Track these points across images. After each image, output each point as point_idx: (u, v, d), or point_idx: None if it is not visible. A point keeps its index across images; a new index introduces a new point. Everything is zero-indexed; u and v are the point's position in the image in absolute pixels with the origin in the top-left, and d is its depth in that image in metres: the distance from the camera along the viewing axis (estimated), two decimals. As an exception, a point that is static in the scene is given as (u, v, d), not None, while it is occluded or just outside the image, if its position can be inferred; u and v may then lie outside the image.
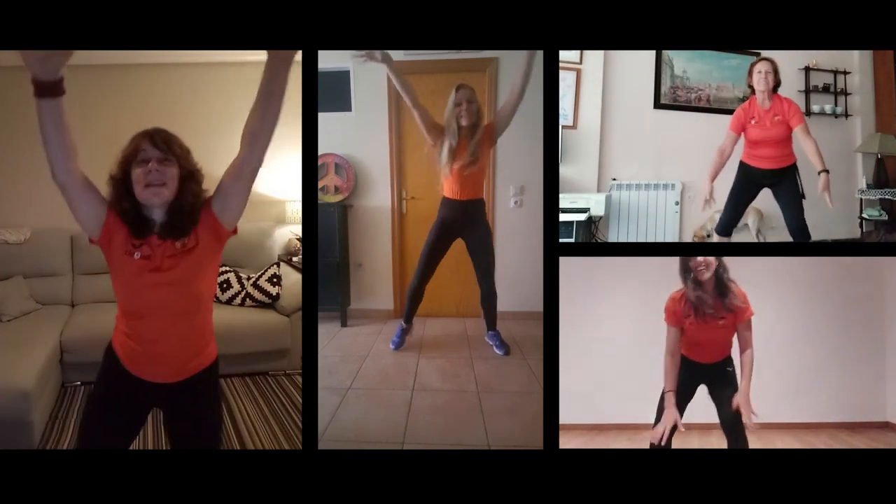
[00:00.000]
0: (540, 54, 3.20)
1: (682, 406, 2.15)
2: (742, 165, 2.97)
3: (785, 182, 2.88)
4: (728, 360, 2.19)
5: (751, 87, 2.90)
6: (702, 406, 2.87)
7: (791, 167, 2.89)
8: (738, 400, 2.01)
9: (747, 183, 2.96)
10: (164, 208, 1.57)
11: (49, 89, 1.44)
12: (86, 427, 1.74)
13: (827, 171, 2.73)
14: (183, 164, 1.60)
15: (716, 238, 3.26)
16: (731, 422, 2.09)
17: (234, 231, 1.66)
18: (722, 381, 2.16)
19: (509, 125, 3.28)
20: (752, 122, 2.85)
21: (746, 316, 2.06)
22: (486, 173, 3.40)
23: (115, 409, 1.68)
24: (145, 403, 1.73)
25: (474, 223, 3.43)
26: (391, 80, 3.19)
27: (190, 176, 1.61)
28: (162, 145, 1.56)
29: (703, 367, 2.19)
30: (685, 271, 2.05)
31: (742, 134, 2.90)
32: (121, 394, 1.66)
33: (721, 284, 2.03)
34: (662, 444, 2.03)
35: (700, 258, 2.03)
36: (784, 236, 3.28)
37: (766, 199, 3.15)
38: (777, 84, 2.85)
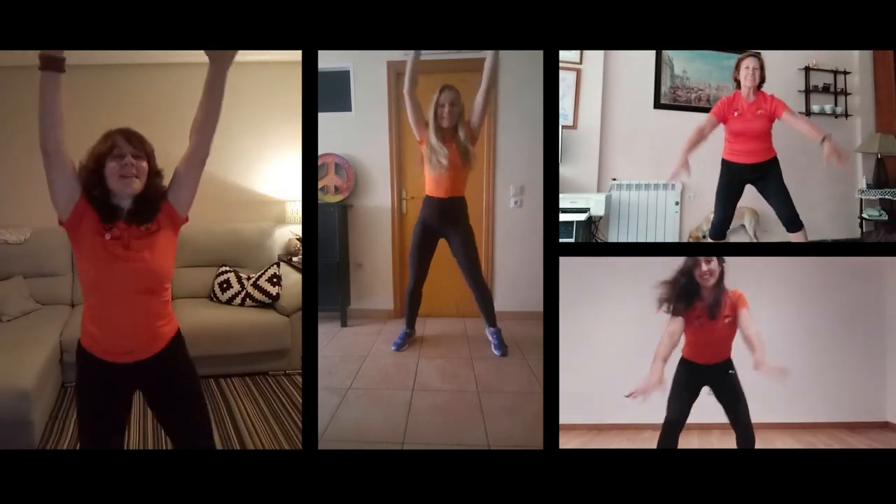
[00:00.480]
0: (501, 53, 3.27)
1: (686, 406, 2.22)
2: (724, 163, 2.99)
3: (769, 176, 2.92)
4: (729, 363, 2.23)
5: (737, 80, 2.92)
6: (701, 406, 2.88)
7: (772, 161, 2.92)
8: (759, 364, 2.06)
9: (731, 180, 2.99)
10: (131, 198, 1.77)
11: (53, 64, 1.66)
12: (82, 425, 1.88)
13: (828, 137, 2.73)
14: (151, 161, 1.81)
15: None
16: (742, 423, 2.21)
17: (186, 219, 1.88)
18: (726, 385, 2.22)
19: (483, 121, 3.40)
20: (735, 113, 2.88)
21: (741, 304, 2.13)
22: (466, 172, 3.42)
23: (101, 400, 1.83)
24: (126, 386, 1.87)
25: (455, 223, 3.45)
26: (409, 63, 3.24)
27: (156, 173, 1.83)
28: (136, 143, 1.77)
29: (705, 368, 2.24)
30: (681, 278, 2.13)
31: (723, 123, 2.94)
32: (102, 384, 1.82)
33: (718, 289, 2.12)
34: (638, 397, 2.07)
35: (705, 267, 2.10)
36: (777, 238, 3.30)
37: (761, 199, 3.15)
38: (762, 81, 2.88)
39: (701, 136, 2.94)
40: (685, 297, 2.11)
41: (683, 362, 2.24)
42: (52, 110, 1.66)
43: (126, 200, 1.77)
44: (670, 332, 2.13)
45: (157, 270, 1.78)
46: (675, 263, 2.90)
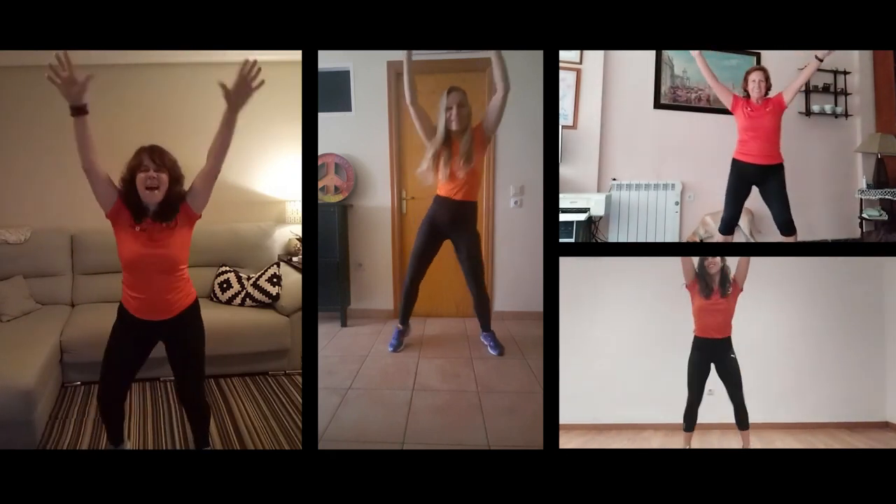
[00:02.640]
0: (508, 52, 3.24)
1: (701, 385, 2.62)
2: (734, 163, 3.16)
3: (772, 180, 3.10)
4: (729, 344, 2.59)
5: (746, 91, 3.12)
6: (702, 407, 2.89)
7: (778, 166, 3.09)
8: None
9: (739, 179, 3.16)
10: (156, 202, 2.26)
11: (81, 110, 2.16)
12: (107, 359, 2.39)
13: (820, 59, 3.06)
14: (171, 172, 2.27)
15: (718, 238, 3.38)
16: (736, 401, 2.61)
17: (200, 215, 2.38)
18: (727, 365, 2.59)
19: (499, 124, 3.32)
20: (749, 110, 3.08)
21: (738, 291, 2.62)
22: (481, 177, 3.41)
23: (127, 344, 2.40)
24: (149, 338, 2.42)
25: (462, 226, 3.42)
26: (404, 65, 3.19)
27: (175, 181, 2.30)
28: (157, 160, 2.24)
29: (711, 343, 2.59)
30: (700, 269, 2.60)
31: (734, 115, 3.15)
32: (131, 333, 2.38)
33: (725, 275, 2.59)
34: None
35: (709, 259, 2.56)
36: (772, 238, 3.47)
37: (758, 201, 3.27)
38: (768, 89, 3.08)
39: (713, 77, 3.16)
40: (704, 283, 2.59)
41: (696, 340, 2.60)
42: (85, 142, 2.17)
43: (152, 203, 2.26)
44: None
45: (173, 257, 2.31)
46: (674, 263, 2.98)
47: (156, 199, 2.24)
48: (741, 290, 2.60)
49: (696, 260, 2.60)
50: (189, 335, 2.44)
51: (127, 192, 2.25)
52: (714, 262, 2.56)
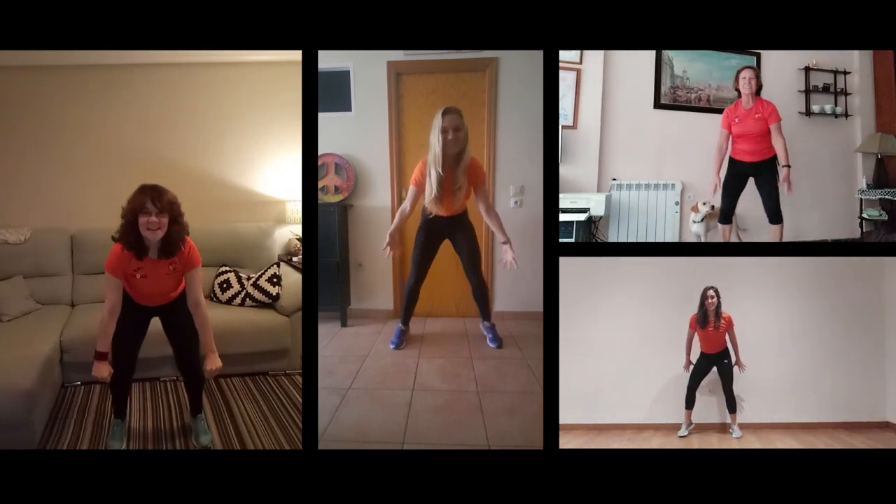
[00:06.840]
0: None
1: (698, 380, 3.01)
2: (731, 160, 3.41)
3: (765, 172, 3.34)
4: (726, 354, 2.99)
5: (737, 90, 3.34)
6: (701, 408, 2.90)
7: (771, 159, 3.31)
8: (739, 363, 3.06)
9: (736, 174, 3.42)
10: (157, 240, 2.53)
11: (102, 356, 2.60)
12: (115, 339, 2.65)
13: (789, 167, 3.22)
14: (171, 213, 2.51)
15: (720, 227, 3.57)
16: (728, 391, 3.01)
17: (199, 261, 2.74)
18: (723, 367, 3.00)
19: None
20: (736, 120, 3.32)
21: (731, 325, 3.00)
22: (469, 192, 3.40)
23: (131, 321, 2.72)
24: (148, 314, 2.80)
25: (458, 225, 3.55)
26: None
27: (175, 220, 2.55)
28: (157, 203, 2.47)
29: (711, 356, 2.99)
30: (700, 304, 2.99)
31: (729, 130, 3.39)
32: (132, 309, 2.71)
33: (718, 309, 2.96)
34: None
35: (709, 301, 2.95)
36: (755, 236, 3.70)
37: (740, 204, 3.52)
38: (759, 87, 3.28)
39: (722, 152, 3.42)
40: (704, 317, 2.98)
41: (702, 354, 3.01)
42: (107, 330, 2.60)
43: (153, 241, 2.52)
44: (688, 339, 3.03)
45: (168, 292, 2.72)
46: (674, 263, 3.09)
47: (156, 237, 2.51)
48: (733, 324, 2.98)
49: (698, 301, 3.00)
50: (179, 309, 2.76)
51: (128, 233, 2.52)
52: (711, 302, 2.95)
